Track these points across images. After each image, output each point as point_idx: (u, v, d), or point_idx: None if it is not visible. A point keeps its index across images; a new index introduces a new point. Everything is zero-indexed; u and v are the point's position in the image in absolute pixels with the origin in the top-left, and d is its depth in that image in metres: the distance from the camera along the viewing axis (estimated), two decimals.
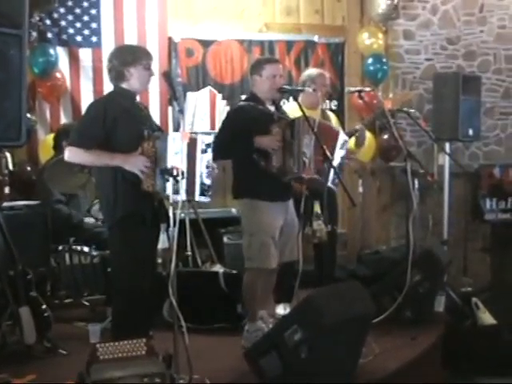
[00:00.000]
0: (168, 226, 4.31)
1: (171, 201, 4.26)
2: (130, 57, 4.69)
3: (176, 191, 4.25)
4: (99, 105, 4.73)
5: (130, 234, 4.58)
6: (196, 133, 7.34)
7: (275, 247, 5.18)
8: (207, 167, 4.61)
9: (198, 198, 4.61)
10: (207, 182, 4.61)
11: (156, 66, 6.76)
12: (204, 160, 4.61)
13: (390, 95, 8.33)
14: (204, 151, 4.63)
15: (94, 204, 5.89)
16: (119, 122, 4.54)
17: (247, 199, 5.19)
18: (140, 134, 4.51)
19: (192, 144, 4.56)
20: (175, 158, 4.33)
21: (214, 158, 4.76)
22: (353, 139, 6.09)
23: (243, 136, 5.05)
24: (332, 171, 5.06)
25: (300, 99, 5.68)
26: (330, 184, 5.19)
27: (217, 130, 7.30)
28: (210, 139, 4.70)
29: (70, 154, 4.59)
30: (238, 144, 5.08)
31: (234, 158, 5.23)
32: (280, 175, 5.09)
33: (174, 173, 4.19)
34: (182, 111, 4.49)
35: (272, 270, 5.25)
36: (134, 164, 4.44)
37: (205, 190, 4.61)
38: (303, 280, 5.22)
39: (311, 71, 6.31)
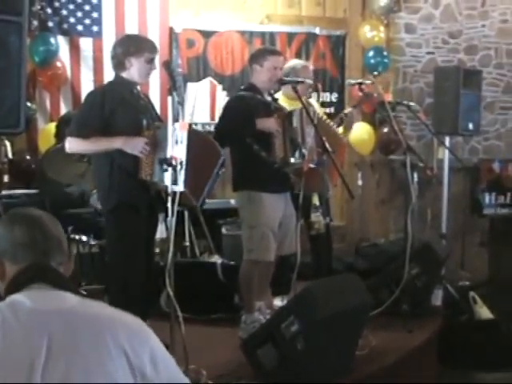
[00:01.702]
0: (166, 215, 4.32)
1: (169, 191, 4.25)
2: (133, 47, 4.70)
3: (174, 181, 4.26)
4: (97, 94, 4.76)
5: (124, 222, 4.62)
6: (196, 124, 7.41)
7: (274, 240, 5.20)
8: (215, 182, 4.70)
9: (199, 204, 4.67)
10: (210, 193, 4.69)
11: (157, 56, 6.78)
12: (217, 178, 4.69)
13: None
14: (220, 170, 4.70)
15: (92, 193, 5.90)
16: (117, 112, 4.56)
17: (248, 191, 5.20)
18: (139, 124, 4.53)
19: (215, 156, 4.71)
20: (175, 148, 4.33)
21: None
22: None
23: (245, 123, 5.06)
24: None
25: (283, 91, 5.77)
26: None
27: (217, 120, 7.36)
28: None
29: (71, 145, 4.64)
30: (240, 131, 5.08)
31: (235, 146, 5.23)
32: (282, 166, 5.09)
33: (173, 163, 4.19)
34: (180, 102, 4.52)
35: (270, 262, 5.26)
36: (134, 146, 4.46)
37: (204, 202, 4.69)
38: (300, 272, 5.23)
39: (295, 63, 6.18)
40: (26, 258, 2.18)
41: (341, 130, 5.98)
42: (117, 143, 4.51)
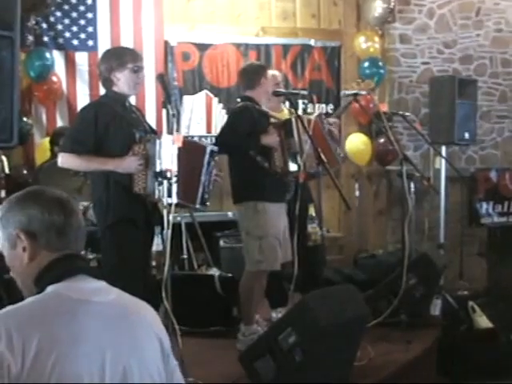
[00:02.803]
0: (162, 228, 4.31)
1: (165, 203, 4.25)
2: (115, 61, 4.66)
3: (169, 194, 4.25)
4: (90, 110, 4.73)
5: (122, 238, 4.57)
6: (193, 136, 7.42)
7: (280, 249, 5.23)
8: (213, 176, 4.65)
9: (198, 205, 4.63)
10: (207, 189, 4.63)
11: (152, 70, 6.79)
12: (210, 169, 4.64)
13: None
14: (211, 160, 4.65)
15: (89, 207, 5.88)
16: (110, 126, 4.53)
17: (253, 202, 5.20)
18: (132, 138, 4.51)
19: (199, 152, 4.60)
20: (169, 160, 4.33)
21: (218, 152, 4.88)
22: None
23: (250, 138, 5.12)
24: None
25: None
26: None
27: (213, 133, 7.40)
28: (216, 148, 4.75)
29: (63, 160, 4.59)
30: (245, 145, 5.13)
31: (237, 157, 5.26)
32: (283, 175, 5.13)
33: (168, 175, 4.19)
34: (174, 115, 4.50)
35: (266, 272, 5.28)
36: (127, 167, 4.44)
37: (206, 199, 4.64)
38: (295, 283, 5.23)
39: None
40: (60, 246, 2.19)
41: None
42: (109, 165, 4.50)
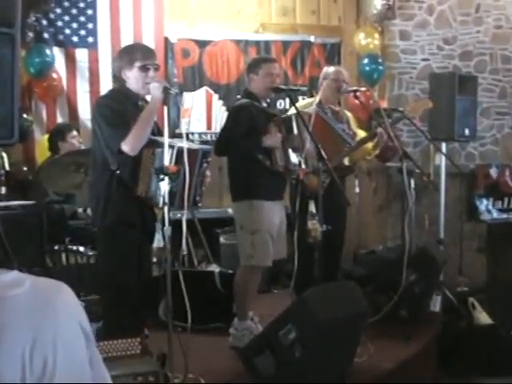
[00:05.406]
0: (163, 225, 4.29)
1: (166, 204, 4.19)
2: (125, 59, 4.53)
3: (171, 202, 4.21)
4: (108, 101, 4.57)
5: (119, 238, 4.49)
6: (193, 133, 7.43)
7: (272, 246, 5.24)
8: (203, 176, 4.58)
9: (189, 208, 4.58)
10: (200, 191, 4.58)
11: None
12: (202, 170, 4.56)
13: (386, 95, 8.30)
14: (202, 163, 4.56)
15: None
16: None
17: (249, 200, 5.22)
18: None
19: (192, 155, 4.45)
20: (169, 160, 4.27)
21: (219, 154, 5.04)
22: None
23: (250, 134, 5.12)
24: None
25: (320, 96, 6.06)
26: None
27: (213, 129, 7.42)
28: (209, 148, 4.72)
29: (128, 147, 4.30)
30: (246, 141, 5.13)
31: (237, 156, 5.25)
32: (285, 173, 5.17)
33: (169, 171, 4.13)
34: (178, 94, 4.41)
35: (263, 268, 5.33)
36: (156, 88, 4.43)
37: (197, 201, 4.58)
38: None
39: (327, 68, 6.33)
40: None
41: (370, 145, 6.11)
42: (149, 108, 4.43)
